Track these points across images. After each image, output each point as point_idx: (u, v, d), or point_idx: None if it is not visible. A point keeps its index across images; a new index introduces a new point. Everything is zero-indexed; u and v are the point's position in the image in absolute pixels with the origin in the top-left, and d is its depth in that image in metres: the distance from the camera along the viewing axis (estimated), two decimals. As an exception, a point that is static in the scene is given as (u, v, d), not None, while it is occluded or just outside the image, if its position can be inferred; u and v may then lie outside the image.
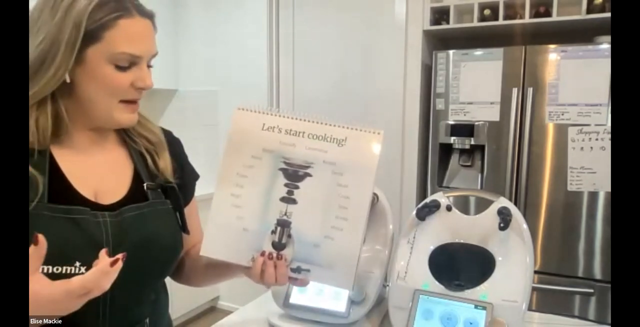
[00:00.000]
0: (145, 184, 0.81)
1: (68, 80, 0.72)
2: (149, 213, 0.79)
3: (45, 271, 0.65)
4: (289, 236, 0.75)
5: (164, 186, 0.83)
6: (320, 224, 0.74)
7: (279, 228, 0.75)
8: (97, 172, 0.79)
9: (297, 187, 0.75)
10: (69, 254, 0.68)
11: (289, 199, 0.75)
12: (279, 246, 0.75)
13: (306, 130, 0.75)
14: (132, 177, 0.82)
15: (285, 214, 0.75)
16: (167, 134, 0.90)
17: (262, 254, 0.75)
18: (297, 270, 0.76)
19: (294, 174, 0.75)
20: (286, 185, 0.75)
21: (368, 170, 0.74)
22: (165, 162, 0.84)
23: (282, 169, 0.75)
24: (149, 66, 0.78)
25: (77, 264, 0.68)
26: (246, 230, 0.75)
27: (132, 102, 0.78)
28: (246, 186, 0.76)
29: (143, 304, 0.81)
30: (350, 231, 0.74)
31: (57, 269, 0.67)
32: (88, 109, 0.76)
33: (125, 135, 0.85)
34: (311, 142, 0.75)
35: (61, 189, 0.73)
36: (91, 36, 0.70)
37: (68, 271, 0.67)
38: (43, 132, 0.72)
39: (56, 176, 0.74)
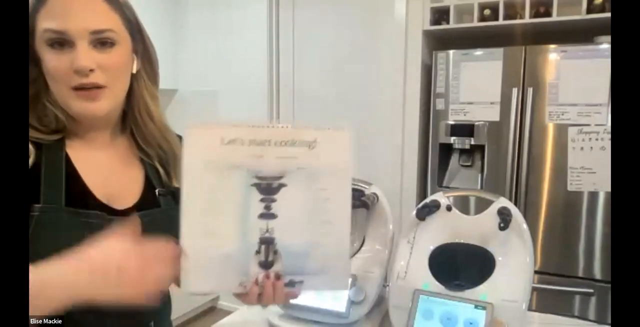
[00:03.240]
0: (157, 191, 0.81)
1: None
2: (162, 219, 0.79)
3: None
4: (275, 252, 0.70)
5: (175, 192, 0.82)
6: (306, 233, 0.71)
7: (263, 247, 0.69)
8: (110, 176, 0.78)
9: (273, 200, 0.69)
10: None
11: (268, 215, 0.69)
12: (266, 265, 0.70)
13: (272, 138, 0.69)
14: (144, 182, 0.81)
15: (267, 230, 0.69)
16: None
17: (256, 282, 0.70)
18: (291, 284, 0.72)
19: (268, 188, 0.69)
20: (262, 200, 0.69)
21: (343, 168, 0.71)
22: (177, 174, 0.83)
23: (254, 185, 0.69)
24: (105, 43, 0.70)
25: None
26: (227, 256, 0.69)
27: (85, 89, 0.70)
28: (216, 210, 0.69)
29: (149, 308, 0.80)
30: (337, 232, 0.71)
31: None
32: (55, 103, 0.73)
33: (141, 144, 0.83)
34: (280, 150, 0.69)
35: (77, 191, 0.73)
36: (31, 26, 0.69)
37: None
38: (47, 127, 0.72)
39: (73, 177, 0.73)
